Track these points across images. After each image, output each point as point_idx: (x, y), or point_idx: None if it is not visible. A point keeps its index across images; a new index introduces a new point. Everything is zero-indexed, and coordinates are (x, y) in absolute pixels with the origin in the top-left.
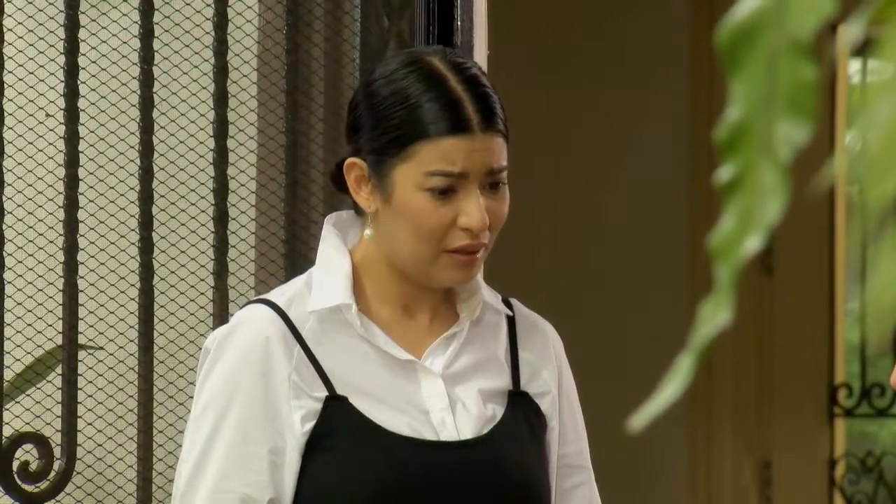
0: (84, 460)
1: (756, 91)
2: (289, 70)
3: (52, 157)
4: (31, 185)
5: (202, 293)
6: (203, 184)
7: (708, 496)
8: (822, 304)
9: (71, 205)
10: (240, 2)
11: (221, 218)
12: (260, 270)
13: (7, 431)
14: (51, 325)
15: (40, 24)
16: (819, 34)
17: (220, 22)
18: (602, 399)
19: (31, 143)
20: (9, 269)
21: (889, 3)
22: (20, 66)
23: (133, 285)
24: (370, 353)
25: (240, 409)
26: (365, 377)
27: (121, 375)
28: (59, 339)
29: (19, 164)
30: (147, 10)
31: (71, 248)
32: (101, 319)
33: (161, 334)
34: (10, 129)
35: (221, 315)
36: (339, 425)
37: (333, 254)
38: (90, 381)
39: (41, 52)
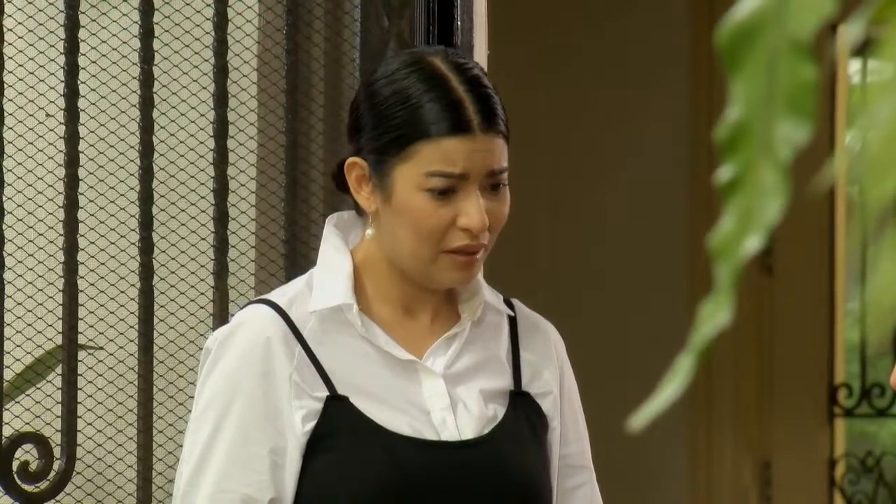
0: (84, 460)
1: (756, 91)
2: (289, 70)
3: (52, 157)
4: (31, 185)
5: (202, 293)
6: (203, 184)
7: (708, 496)
8: (822, 304)
9: (71, 205)
10: (240, 2)
11: (221, 218)
12: (260, 270)
13: (7, 431)
14: (51, 325)
15: (40, 24)
16: (819, 34)
17: (220, 22)
18: (602, 399)
19: (31, 143)
20: (9, 269)
21: (889, 3)
22: (20, 66)
23: (133, 285)
24: (371, 353)
25: (241, 409)
26: (366, 377)
27: (121, 375)
28: (59, 339)
29: (19, 164)
30: (147, 10)
31: (71, 248)
32: (101, 319)
33: (161, 334)
34: (10, 129)
35: (221, 315)
36: (339, 425)
37: (335, 254)
38: (90, 381)
39: (41, 52)
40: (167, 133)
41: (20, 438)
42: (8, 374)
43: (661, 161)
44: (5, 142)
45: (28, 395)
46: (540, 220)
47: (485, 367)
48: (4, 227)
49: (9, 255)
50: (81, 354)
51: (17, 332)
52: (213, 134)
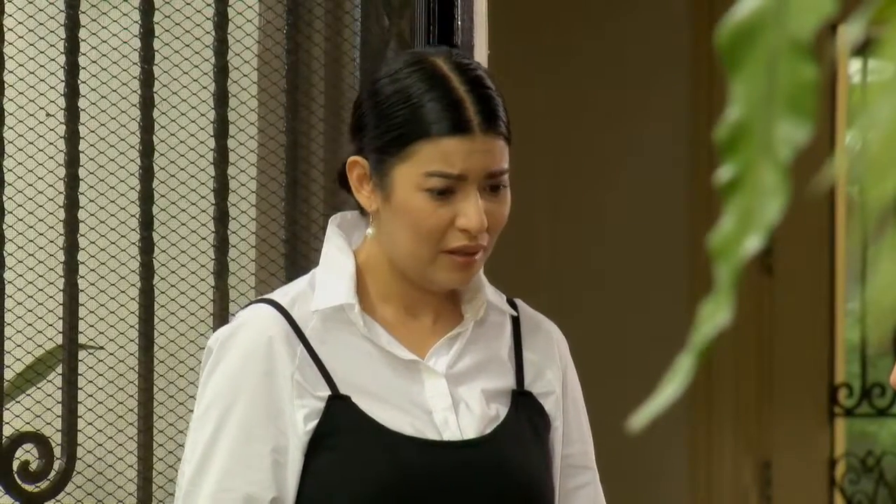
0: (84, 460)
1: (756, 91)
2: (289, 70)
3: (52, 157)
4: (31, 185)
5: (202, 293)
6: (203, 184)
7: (708, 496)
8: (822, 304)
9: (71, 205)
10: (240, 2)
11: (221, 218)
12: (260, 270)
13: (7, 431)
14: (51, 325)
15: (40, 24)
16: (819, 34)
17: (220, 22)
18: (602, 399)
19: (31, 143)
20: (9, 269)
21: (889, 3)
22: (20, 66)
23: (133, 285)
24: (373, 352)
25: (243, 408)
26: (368, 377)
27: (121, 375)
28: (59, 339)
29: (19, 164)
30: (147, 10)
31: (71, 248)
32: (101, 319)
33: (161, 334)
34: (11, 129)
35: (221, 315)
36: (341, 424)
37: (337, 254)
38: (90, 381)
39: (41, 52)
40: (167, 133)
41: (20, 438)
42: (8, 374)
43: (661, 161)
44: (5, 142)
45: (28, 395)
46: (540, 220)
47: (487, 366)
48: (4, 227)
49: (9, 255)
50: (81, 354)
51: (17, 332)
52: (213, 134)
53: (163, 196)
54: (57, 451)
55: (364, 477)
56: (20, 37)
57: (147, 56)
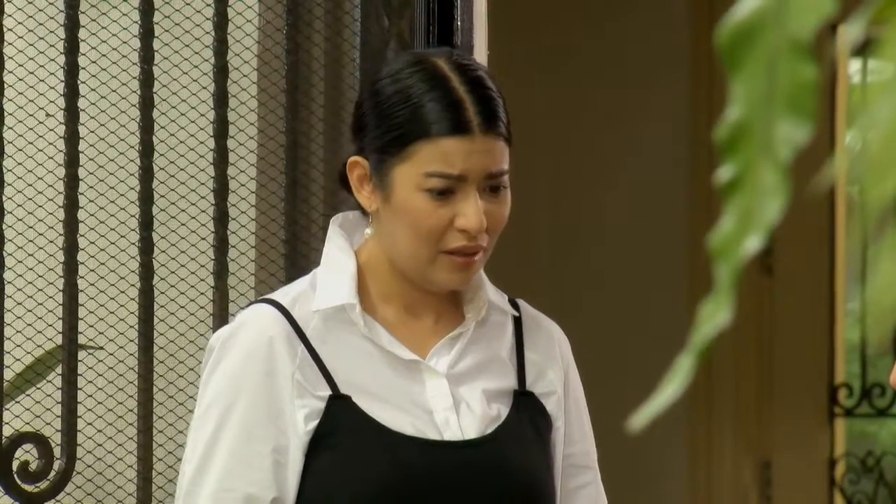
0: (84, 460)
1: (756, 91)
2: (289, 70)
3: (52, 157)
4: (31, 185)
5: (202, 293)
6: (203, 184)
7: (708, 496)
8: (822, 304)
9: (71, 205)
10: (240, 2)
11: (221, 218)
12: (260, 270)
13: (7, 431)
14: (51, 325)
15: (40, 24)
16: (819, 34)
17: (220, 22)
18: (602, 399)
19: (31, 143)
20: (9, 269)
21: (889, 3)
22: (20, 66)
23: (133, 285)
24: (374, 352)
25: (243, 408)
26: (369, 376)
27: (121, 375)
28: (59, 339)
29: (19, 164)
30: (147, 10)
31: (71, 248)
32: (101, 319)
33: (161, 334)
34: (10, 129)
35: (221, 315)
36: (342, 424)
37: (338, 254)
38: (90, 381)
39: (41, 52)
40: (167, 133)
41: (20, 438)
42: (8, 374)
43: (661, 161)
44: (5, 142)
45: (28, 395)
46: (540, 220)
47: (488, 367)
48: (4, 227)
49: (9, 255)
50: (81, 354)
51: (17, 332)
52: (213, 134)
53: (163, 196)
54: (57, 452)
55: (365, 477)
56: (20, 37)
57: (147, 56)
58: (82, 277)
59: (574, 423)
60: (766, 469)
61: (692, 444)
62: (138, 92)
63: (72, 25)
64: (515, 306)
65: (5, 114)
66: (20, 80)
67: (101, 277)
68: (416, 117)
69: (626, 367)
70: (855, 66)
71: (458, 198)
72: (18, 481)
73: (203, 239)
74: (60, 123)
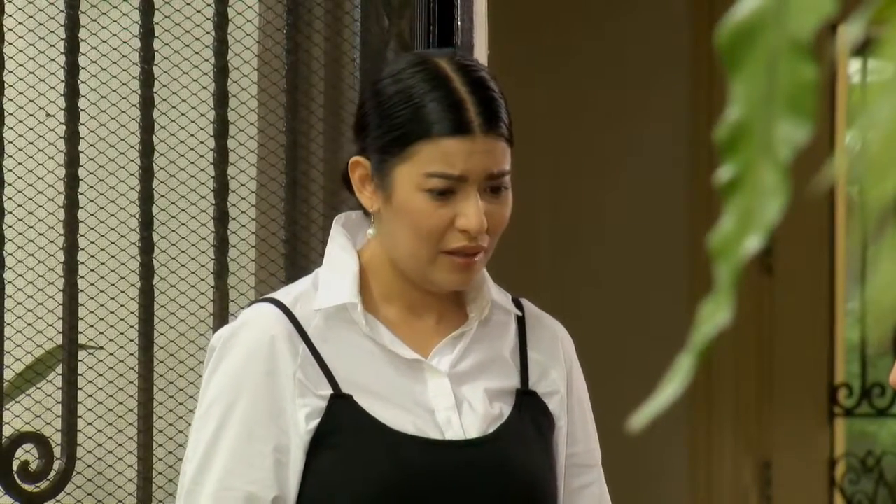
0: (84, 460)
1: (756, 91)
2: (289, 70)
3: (52, 157)
4: (31, 185)
5: (202, 293)
6: (203, 184)
7: (708, 496)
8: (822, 304)
9: (71, 205)
10: (240, 2)
11: (221, 218)
12: (260, 270)
13: (7, 431)
14: (51, 325)
15: (40, 24)
16: (819, 34)
17: (220, 22)
18: (602, 399)
19: (31, 143)
20: (9, 268)
21: (889, 3)
22: (20, 66)
23: (133, 285)
24: (376, 351)
25: (245, 407)
26: (370, 376)
27: (121, 375)
28: (59, 339)
29: (19, 164)
30: (147, 10)
31: (71, 248)
32: (101, 319)
33: (161, 334)
34: (11, 129)
35: (221, 315)
36: (343, 423)
37: (341, 253)
38: (90, 381)
39: (41, 52)
40: (167, 133)
41: (20, 438)
42: (8, 374)
43: (661, 161)
44: (5, 142)
45: (28, 395)
46: (540, 220)
47: (491, 366)
48: (4, 227)
49: (9, 255)
50: (81, 354)
51: (17, 332)
52: (213, 134)
53: (163, 196)
54: (57, 451)
55: (366, 476)
56: (20, 37)
57: (147, 56)
58: (82, 277)
59: (577, 422)
60: (766, 469)
61: (692, 444)
62: (138, 92)
63: (72, 25)
64: (519, 306)
65: (5, 114)
66: (20, 80)
67: (101, 277)
68: (418, 117)
69: (626, 367)
70: (855, 66)
71: (459, 198)
72: (18, 481)
73: (203, 239)
74: (60, 123)
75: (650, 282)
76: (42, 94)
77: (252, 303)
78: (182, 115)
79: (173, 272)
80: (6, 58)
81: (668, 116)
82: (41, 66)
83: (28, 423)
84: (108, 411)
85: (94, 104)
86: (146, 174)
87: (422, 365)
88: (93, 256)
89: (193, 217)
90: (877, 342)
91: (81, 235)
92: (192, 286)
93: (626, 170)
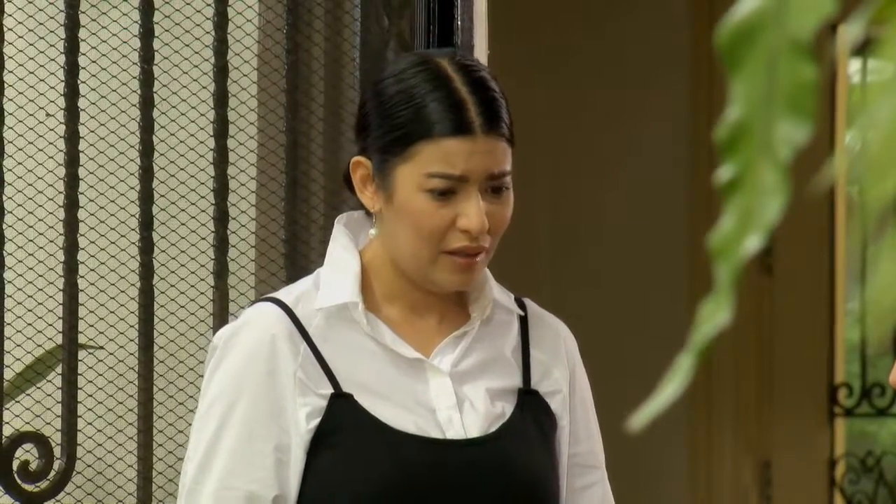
0: (84, 460)
1: (756, 91)
2: (289, 70)
3: (52, 157)
4: (31, 185)
5: (202, 293)
6: (203, 184)
7: (708, 496)
8: (822, 304)
9: (71, 205)
10: (240, 2)
11: (221, 218)
12: (260, 270)
13: (7, 431)
14: (51, 325)
15: (40, 24)
16: (819, 34)
17: (220, 22)
18: (602, 399)
19: (31, 143)
20: (9, 268)
21: (889, 3)
22: (20, 66)
23: (133, 285)
24: (377, 351)
25: (245, 406)
26: (371, 375)
27: (121, 375)
28: (59, 339)
29: (19, 163)
30: (147, 10)
31: (71, 248)
32: (101, 319)
33: (161, 334)
34: (10, 129)
35: (221, 315)
36: (344, 423)
37: (342, 252)
38: (90, 381)
39: (41, 52)
40: (167, 133)
41: (20, 438)
42: (8, 374)
43: (661, 161)
44: (5, 142)
45: (28, 395)
46: (540, 220)
47: (492, 365)
48: (4, 227)
49: (9, 254)
50: (81, 354)
51: (17, 331)
52: (213, 134)
53: (163, 196)
54: (57, 451)
55: (367, 475)
56: (20, 37)
57: (147, 56)
58: (82, 277)
59: (580, 422)
60: (766, 469)
61: (692, 444)
62: (138, 92)
63: (72, 25)
64: (522, 305)
65: (5, 114)
66: (20, 80)
67: (102, 277)
68: (419, 117)
69: (626, 367)
70: (855, 66)
71: (460, 198)
72: (18, 481)
73: (203, 239)
74: (60, 123)
75: (650, 282)
76: (42, 94)
77: (253, 302)
78: (182, 115)
79: (173, 272)
80: (6, 58)
81: (668, 116)
82: (41, 66)
83: (28, 423)
84: (108, 411)
85: (94, 104)
86: (146, 174)
87: (423, 364)
88: (93, 256)
89: (193, 217)
90: (877, 342)
91: (81, 235)
92: (192, 286)
93: (626, 170)
